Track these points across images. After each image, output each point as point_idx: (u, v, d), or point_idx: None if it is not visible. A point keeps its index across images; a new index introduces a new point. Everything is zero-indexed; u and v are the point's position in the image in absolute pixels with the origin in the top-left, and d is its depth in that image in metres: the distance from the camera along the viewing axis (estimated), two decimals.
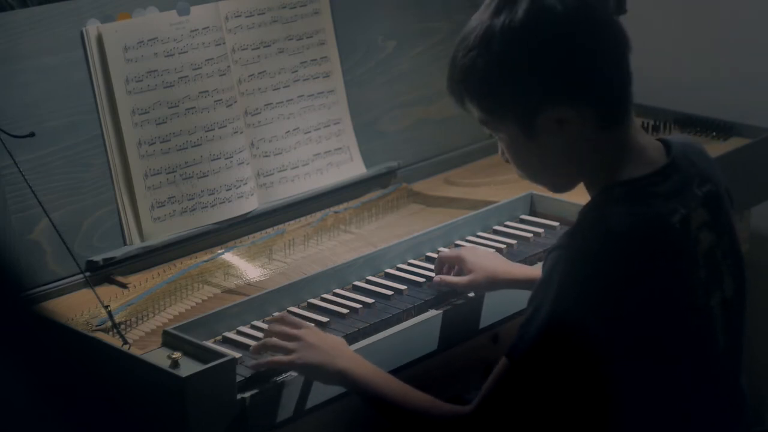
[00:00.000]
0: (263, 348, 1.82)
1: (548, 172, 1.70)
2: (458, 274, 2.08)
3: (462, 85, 1.65)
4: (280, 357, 1.77)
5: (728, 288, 1.68)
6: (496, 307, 2.10)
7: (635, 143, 1.66)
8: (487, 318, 2.10)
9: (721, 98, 3.03)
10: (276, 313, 2.00)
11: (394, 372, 1.84)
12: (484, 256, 2.10)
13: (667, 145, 1.69)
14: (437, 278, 2.07)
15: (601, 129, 1.63)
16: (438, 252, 2.23)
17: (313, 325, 1.88)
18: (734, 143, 2.79)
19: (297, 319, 1.86)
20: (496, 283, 2.04)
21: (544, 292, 1.58)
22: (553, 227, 2.36)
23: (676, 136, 1.75)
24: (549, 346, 1.58)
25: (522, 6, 1.59)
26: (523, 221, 2.42)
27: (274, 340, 1.80)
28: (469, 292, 2.07)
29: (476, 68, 1.61)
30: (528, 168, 1.70)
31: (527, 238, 2.32)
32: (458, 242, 2.31)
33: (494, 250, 2.23)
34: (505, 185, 2.61)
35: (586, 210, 1.64)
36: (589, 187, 1.69)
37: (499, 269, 2.05)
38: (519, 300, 2.16)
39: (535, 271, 2.09)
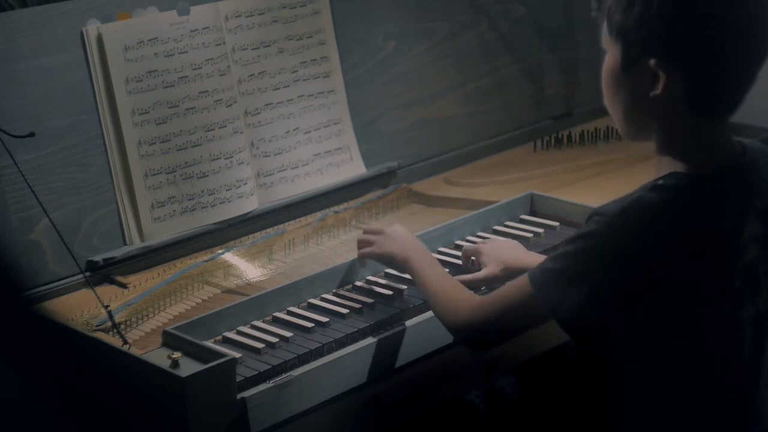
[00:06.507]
0: (359, 243, 2.11)
1: (622, 112, 1.69)
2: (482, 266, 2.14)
3: None
4: (366, 249, 2.08)
5: (763, 303, 1.66)
6: None
7: (716, 141, 1.66)
8: None
9: None
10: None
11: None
12: (499, 248, 2.13)
13: (743, 148, 1.69)
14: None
15: (691, 113, 1.63)
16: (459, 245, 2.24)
17: (398, 225, 2.14)
18: None
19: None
20: (510, 272, 2.06)
21: (573, 239, 1.63)
22: (553, 227, 2.36)
23: (754, 142, 1.75)
24: (559, 287, 1.62)
25: None
26: (523, 221, 2.42)
27: (364, 235, 2.11)
28: (489, 285, 2.08)
29: None
30: (608, 96, 1.70)
31: (527, 238, 2.31)
32: (458, 242, 2.31)
33: (517, 241, 2.23)
34: (505, 185, 2.61)
35: (642, 187, 1.64)
36: (658, 165, 1.68)
37: (510, 259, 2.09)
38: None
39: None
